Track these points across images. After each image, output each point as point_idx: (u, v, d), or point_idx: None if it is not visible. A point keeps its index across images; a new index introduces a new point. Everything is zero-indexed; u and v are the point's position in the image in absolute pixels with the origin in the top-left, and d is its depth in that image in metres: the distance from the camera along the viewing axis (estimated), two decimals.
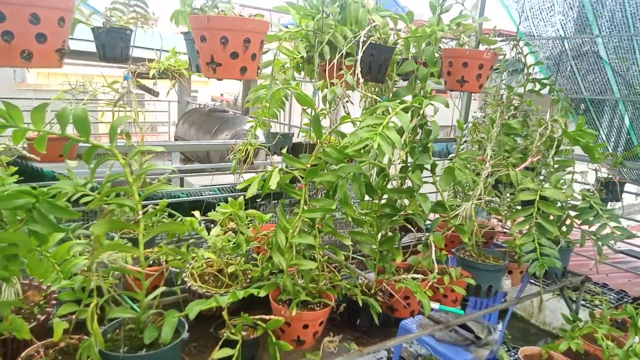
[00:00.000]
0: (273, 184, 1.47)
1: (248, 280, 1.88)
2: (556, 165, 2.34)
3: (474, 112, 3.69)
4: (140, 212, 1.20)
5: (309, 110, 1.57)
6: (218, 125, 7.71)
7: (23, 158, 1.76)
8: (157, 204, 1.71)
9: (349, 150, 1.43)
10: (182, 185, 6.17)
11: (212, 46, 1.26)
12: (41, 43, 1.03)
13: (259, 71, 1.42)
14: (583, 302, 3.37)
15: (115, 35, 1.91)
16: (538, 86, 2.86)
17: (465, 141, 3.14)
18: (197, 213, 2.23)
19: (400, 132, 1.52)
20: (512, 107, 2.97)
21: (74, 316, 1.34)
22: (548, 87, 2.89)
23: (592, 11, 3.89)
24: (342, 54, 1.75)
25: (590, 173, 3.15)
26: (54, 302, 1.47)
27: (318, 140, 1.55)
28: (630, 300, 3.63)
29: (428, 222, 2.42)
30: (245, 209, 1.97)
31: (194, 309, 1.23)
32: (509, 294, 2.39)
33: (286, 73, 2.29)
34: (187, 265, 1.79)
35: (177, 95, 9.34)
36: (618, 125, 4.40)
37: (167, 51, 2.70)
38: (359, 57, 1.58)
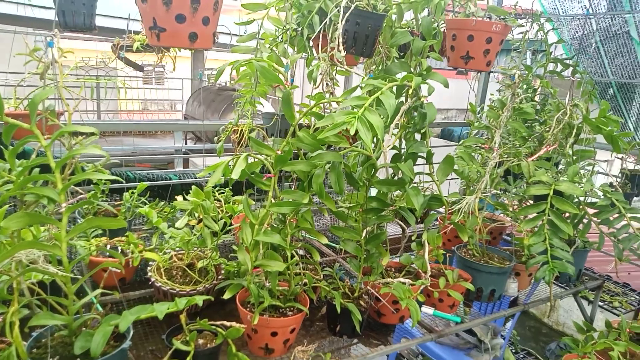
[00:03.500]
0: (236, 174, 1.27)
1: (220, 277, 1.70)
2: (575, 157, 2.07)
3: (491, 94, 3.41)
4: (64, 205, 1.01)
5: (281, 87, 1.36)
6: (227, 104, 7.52)
7: None
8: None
9: (322, 136, 1.21)
10: (186, 166, 6.05)
11: (153, 7, 1.05)
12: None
13: (216, 39, 1.21)
14: (601, 303, 3.11)
15: (77, 1, 1.71)
16: (560, 67, 2.57)
17: (484, 125, 2.88)
18: (180, 198, 2.05)
19: (385, 115, 1.30)
20: (529, 90, 2.69)
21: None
22: (571, 69, 2.59)
23: None
24: (327, 23, 1.52)
25: (615, 163, 2.87)
26: None
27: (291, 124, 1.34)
28: None
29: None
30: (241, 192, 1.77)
31: (127, 319, 1.05)
32: (520, 294, 2.16)
33: (277, 47, 2.06)
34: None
35: (190, 73, 9.17)
36: None
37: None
38: (340, 26, 1.34)
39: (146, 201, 2.29)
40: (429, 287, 1.69)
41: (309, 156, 1.41)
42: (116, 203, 2.26)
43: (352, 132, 1.18)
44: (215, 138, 2.55)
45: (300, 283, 1.53)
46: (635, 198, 2.61)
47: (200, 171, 3.50)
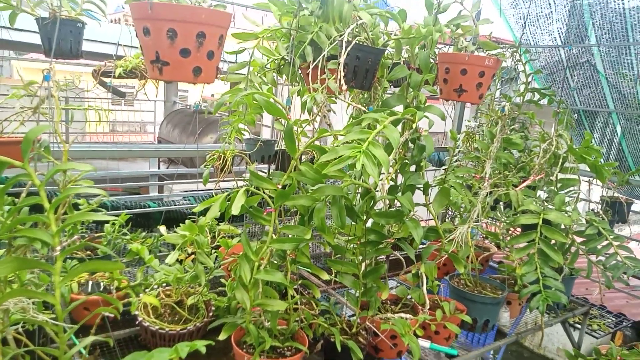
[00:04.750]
0: (236, 209, 1.22)
1: (211, 314, 1.63)
2: (559, 184, 2.12)
3: (467, 120, 3.49)
4: (58, 248, 0.94)
5: (282, 121, 1.33)
6: (203, 127, 7.43)
7: None
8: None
9: (327, 171, 1.18)
10: (161, 192, 5.88)
11: (157, 41, 1.01)
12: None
13: (218, 73, 1.18)
14: (579, 326, 3.16)
15: (64, 28, 1.65)
16: (537, 96, 2.66)
17: (459, 152, 2.92)
18: (162, 229, 1.98)
19: (389, 149, 1.29)
20: (510, 119, 2.76)
21: None
22: (547, 98, 2.69)
23: (591, 21, 3.70)
24: (324, 55, 1.51)
25: (595, 189, 2.95)
26: None
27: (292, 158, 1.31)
28: (630, 324, 3.44)
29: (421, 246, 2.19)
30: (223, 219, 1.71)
31: None
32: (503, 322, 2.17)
33: (266, 76, 2.04)
34: (138, 296, 1.53)
35: (164, 95, 9.04)
36: (610, 137, 4.24)
37: (136, 47, 2.43)
38: (341, 60, 1.34)
39: (127, 232, 2.19)
40: (426, 320, 1.67)
41: (309, 190, 1.39)
42: (96, 235, 2.16)
43: (357, 167, 1.17)
44: (201, 166, 2.49)
45: (297, 320, 1.48)
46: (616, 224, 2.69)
47: (179, 197, 3.41)
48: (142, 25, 1.02)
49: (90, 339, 1.09)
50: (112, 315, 1.14)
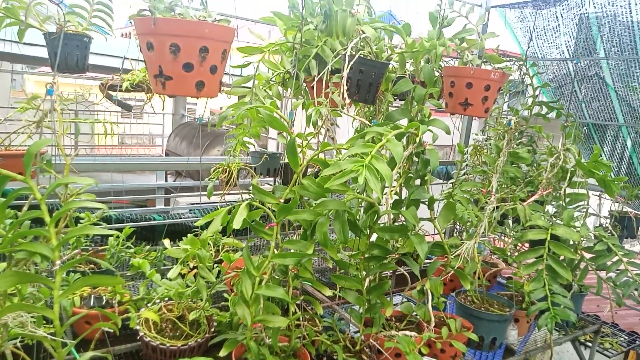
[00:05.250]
0: (237, 223, 1.21)
1: (213, 330, 1.61)
2: (568, 199, 2.09)
3: (475, 134, 3.47)
4: (58, 262, 0.93)
5: (285, 134, 1.32)
6: (210, 140, 7.47)
7: None
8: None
9: (329, 185, 1.17)
10: (167, 204, 5.88)
11: (160, 55, 1.01)
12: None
13: (222, 87, 1.18)
14: (590, 344, 3.09)
15: (70, 42, 1.67)
16: (545, 110, 2.64)
17: (467, 165, 2.90)
18: (166, 242, 1.97)
19: (392, 163, 1.27)
20: (517, 133, 2.74)
21: None
22: (555, 112, 2.66)
23: (599, 34, 3.69)
24: (328, 69, 1.51)
25: (604, 203, 2.91)
26: None
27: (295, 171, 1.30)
28: None
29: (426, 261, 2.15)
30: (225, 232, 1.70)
31: None
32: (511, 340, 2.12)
33: (271, 89, 2.05)
34: (140, 310, 1.52)
35: (172, 108, 9.12)
36: (620, 151, 4.19)
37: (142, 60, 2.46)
38: (345, 74, 1.33)
39: (131, 245, 2.19)
40: (431, 338, 1.63)
41: (312, 203, 1.37)
42: (99, 247, 2.16)
43: (360, 182, 1.15)
44: (207, 179, 2.49)
45: (300, 336, 1.46)
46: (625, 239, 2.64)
47: (185, 210, 3.41)
48: (146, 40, 1.03)
49: (89, 354, 1.07)
50: (111, 331, 1.12)
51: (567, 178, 2.00)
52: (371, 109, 2.01)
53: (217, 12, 1.43)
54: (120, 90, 2.55)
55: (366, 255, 1.53)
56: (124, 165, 3.46)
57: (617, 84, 3.73)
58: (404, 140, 1.55)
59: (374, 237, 1.60)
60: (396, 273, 2.06)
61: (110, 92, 2.47)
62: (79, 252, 1.10)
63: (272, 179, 2.98)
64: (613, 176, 1.95)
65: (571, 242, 1.98)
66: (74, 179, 0.96)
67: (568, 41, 3.88)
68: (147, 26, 1.00)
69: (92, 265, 1.94)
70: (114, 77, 2.59)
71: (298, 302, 1.67)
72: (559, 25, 3.89)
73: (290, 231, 2.02)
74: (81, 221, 1.47)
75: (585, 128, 4.25)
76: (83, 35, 1.70)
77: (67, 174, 1.03)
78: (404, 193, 1.61)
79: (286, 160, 2.63)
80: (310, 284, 1.47)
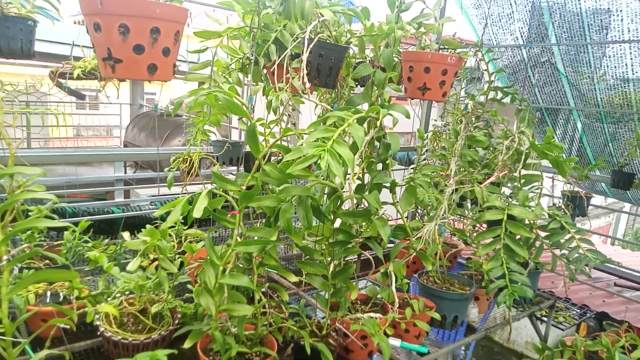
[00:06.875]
0: (198, 212, 1.18)
1: (177, 322, 1.58)
2: (523, 180, 2.16)
3: (434, 120, 3.54)
4: (5, 258, 0.88)
5: (245, 120, 1.30)
6: (170, 130, 7.27)
7: None
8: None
9: (291, 170, 1.16)
10: (127, 196, 5.71)
11: (108, 37, 0.97)
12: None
13: (176, 71, 1.14)
14: (545, 318, 3.25)
15: (14, 26, 1.57)
16: (500, 95, 2.71)
17: (427, 151, 2.96)
18: (126, 235, 1.91)
19: (354, 148, 1.27)
20: (474, 117, 2.81)
21: None
22: (510, 96, 2.75)
23: (550, 21, 3.81)
24: (288, 53, 1.49)
25: (556, 185, 3.03)
26: None
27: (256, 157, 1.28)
28: (593, 316, 3.55)
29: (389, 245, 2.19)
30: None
31: None
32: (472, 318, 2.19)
33: (231, 75, 2.00)
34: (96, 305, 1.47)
35: (130, 98, 8.81)
36: (571, 134, 4.38)
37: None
38: (304, 57, 1.32)
39: (89, 239, 2.11)
40: (396, 319, 1.67)
41: (275, 190, 1.36)
42: (55, 242, 2.07)
43: (322, 166, 1.15)
44: (166, 169, 2.43)
45: (266, 324, 1.45)
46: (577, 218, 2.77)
47: (146, 202, 3.31)
48: (93, 21, 0.97)
49: (44, 352, 1.03)
50: (67, 327, 1.08)
51: (522, 160, 2.07)
52: (333, 94, 2.01)
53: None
54: (71, 78, 2.43)
55: (331, 241, 1.53)
56: (79, 157, 3.31)
57: (567, 69, 3.88)
58: (365, 124, 1.56)
59: (338, 222, 1.60)
60: (361, 258, 2.08)
61: (61, 80, 2.35)
62: (29, 246, 1.04)
63: (235, 168, 2.93)
64: (565, 157, 2.03)
65: (527, 222, 2.05)
66: (20, 169, 0.91)
67: (522, 28, 3.99)
68: (94, 6, 0.95)
69: (47, 262, 1.86)
70: (65, 64, 2.47)
71: (264, 289, 1.66)
72: (512, 12, 4.00)
73: (254, 220, 2.01)
74: (31, 214, 1.40)
75: (538, 112, 4.41)
76: (27, 19, 1.60)
77: (11, 164, 0.97)
78: (367, 178, 1.62)
79: (248, 149, 2.59)
80: (275, 271, 1.46)
